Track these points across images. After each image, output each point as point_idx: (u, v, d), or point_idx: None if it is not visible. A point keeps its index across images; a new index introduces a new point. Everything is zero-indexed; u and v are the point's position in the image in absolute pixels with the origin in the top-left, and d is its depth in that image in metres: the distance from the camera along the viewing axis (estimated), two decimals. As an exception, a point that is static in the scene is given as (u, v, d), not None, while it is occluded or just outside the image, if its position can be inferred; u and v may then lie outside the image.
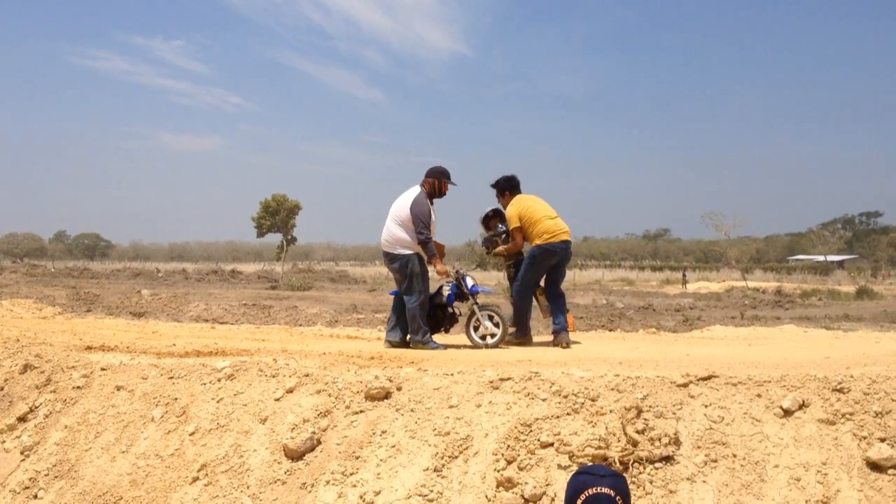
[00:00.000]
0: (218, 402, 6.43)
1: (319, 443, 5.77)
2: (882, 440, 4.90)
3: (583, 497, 2.54)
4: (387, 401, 6.03)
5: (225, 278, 50.99)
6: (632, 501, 4.81)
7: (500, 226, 9.15)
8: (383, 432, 5.73)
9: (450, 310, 8.94)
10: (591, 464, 4.90)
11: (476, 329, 8.65)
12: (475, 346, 8.56)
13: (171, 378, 6.86)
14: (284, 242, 55.78)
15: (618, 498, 2.54)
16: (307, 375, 6.43)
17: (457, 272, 8.86)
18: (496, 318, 8.59)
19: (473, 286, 8.79)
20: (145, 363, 7.28)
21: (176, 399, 6.59)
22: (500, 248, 9.03)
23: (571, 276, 73.52)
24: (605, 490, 2.54)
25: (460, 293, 8.80)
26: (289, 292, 38.85)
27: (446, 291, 8.82)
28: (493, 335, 8.54)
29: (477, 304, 8.69)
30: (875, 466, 4.78)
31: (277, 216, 53.56)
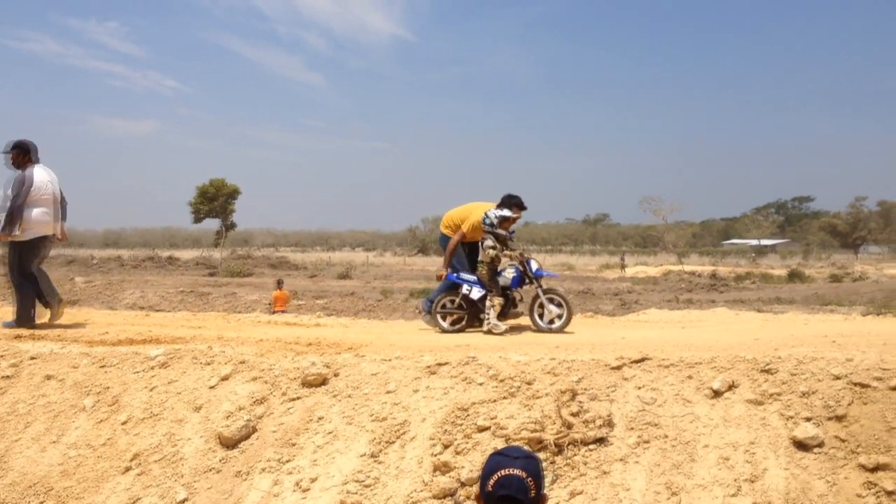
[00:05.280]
0: (151, 390, 6.33)
1: (255, 430, 5.72)
2: (808, 420, 5.03)
3: (495, 478, 2.57)
4: (324, 387, 6.01)
5: (161, 265, 50.08)
6: (564, 483, 4.88)
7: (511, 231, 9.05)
8: (320, 419, 5.71)
9: (512, 293, 8.78)
10: (525, 447, 4.96)
11: (541, 314, 8.50)
12: (539, 330, 8.41)
13: (103, 367, 6.73)
14: (223, 228, 55.00)
15: (529, 480, 2.56)
16: (243, 363, 6.37)
17: (521, 255, 8.70)
18: (560, 302, 8.45)
19: (538, 270, 8.67)
20: (76, 352, 7.12)
21: (108, 388, 6.47)
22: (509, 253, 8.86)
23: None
24: (517, 472, 2.57)
25: (524, 277, 8.66)
26: (227, 279, 38.37)
27: (510, 275, 8.65)
28: (556, 319, 8.39)
29: (541, 287, 8.56)
30: (801, 445, 4.91)
31: (215, 201, 52.74)
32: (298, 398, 5.91)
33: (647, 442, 5.05)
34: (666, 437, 5.07)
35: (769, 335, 7.38)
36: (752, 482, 4.75)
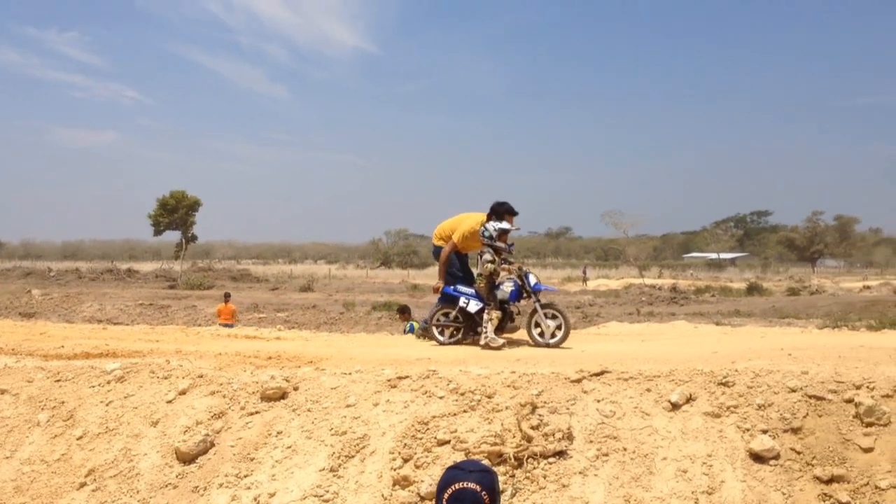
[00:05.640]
0: (107, 405, 6.24)
1: (213, 445, 5.66)
2: (764, 432, 5.09)
3: (449, 491, 2.56)
4: (283, 401, 5.96)
5: (121, 277, 49.47)
6: (524, 496, 4.88)
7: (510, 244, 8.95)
8: (279, 433, 5.66)
9: (510, 307, 8.63)
10: (485, 460, 4.96)
11: (537, 327, 8.35)
12: (537, 344, 8.26)
13: (59, 381, 6.63)
14: (184, 240, 54.51)
15: (484, 494, 2.55)
16: (201, 377, 6.31)
17: (519, 269, 8.55)
18: (558, 317, 8.31)
19: (536, 284, 8.53)
20: (31, 366, 7.01)
21: (63, 402, 6.36)
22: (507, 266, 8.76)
23: (475, 275, 74.03)
24: (471, 485, 2.55)
25: (522, 290, 8.52)
26: (188, 292, 38.01)
27: (508, 288, 8.49)
28: (553, 334, 8.24)
29: (539, 301, 8.41)
30: (757, 457, 4.96)
31: (176, 213, 52.31)
32: (257, 412, 5.86)
33: (606, 455, 5.07)
34: (625, 449, 5.10)
35: (727, 348, 7.45)
36: (710, 494, 4.79)
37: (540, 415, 5.35)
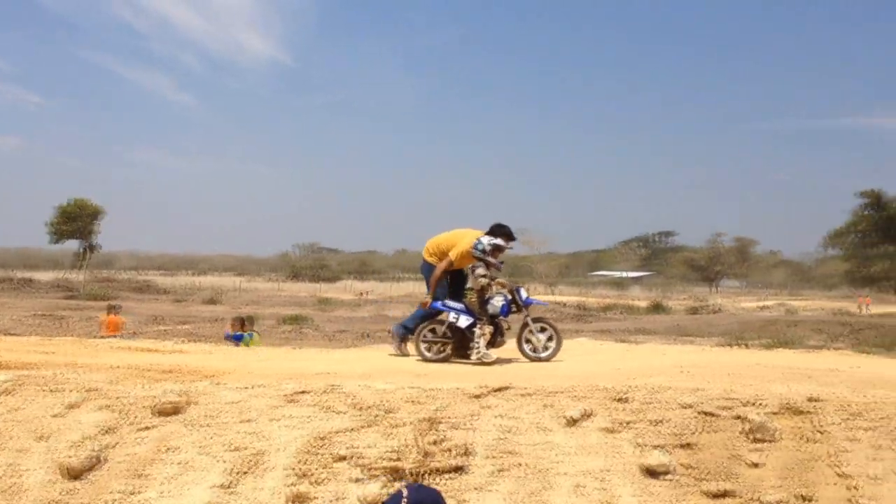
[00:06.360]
0: (-8, 419, 5.97)
1: (102, 461, 5.46)
2: (658, 447, 5.19)
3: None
4: (179, 416, 5.80)
5: (17, 287, 47.69)
6: None
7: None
8: (173, 449, 5.50)
9: (500, 322, 8.54)
10: (385, 478, 4.94)
11: (528, 342, 8.36)
12: (528, 359, 8.26)
13: (-61, 394, 6.31)
14: (85, 249, 52.88)
15: None
16: (93, 390, 6.09)
17: (510, 283, 8.57)
18: (549, 331, 8.35)
19: (527, 298, 8.55)
20: None
21: (-57, 417, 6.06)
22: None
23: (387, 289, 74.09)
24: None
25: (512, 305, 8.49)
26: (88, 302, 36.85)
27: (499, 303, 8.42)
28: (545, 348, 8.28)
29: (530, 316, 8.41)
30: (651, 472, 5.06)
31: (77, 222, 50.73)
32: (151, 427, 5.68)
33: (504, 470, 5.09)
34: (523, 465, 5.13)
35: (629, 365, 7.60)
36: (605, 509, 4.86)
37: (440, 430, 5.35)
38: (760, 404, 5.49)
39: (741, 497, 4.94)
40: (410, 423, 5.42)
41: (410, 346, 8.72)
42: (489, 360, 8.05)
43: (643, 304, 51.81)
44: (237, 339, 12.91)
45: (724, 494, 4.94)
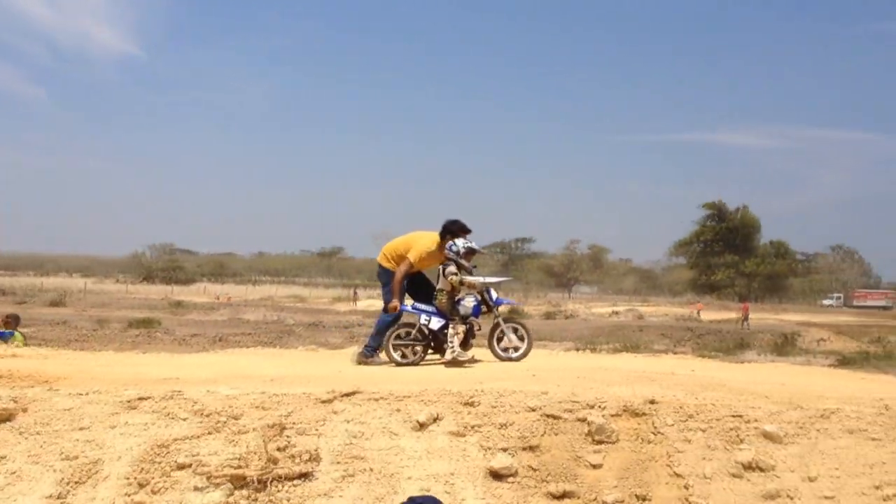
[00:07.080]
0: None
1: (-81, 474, 5.10)
2: (504, 450, 5.29)
3: None
4: (9, 423, 5.47)
5: None
6: None
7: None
8: (1, 458, 5.19)
9: (471, 322, 8.52)
10: (228, 486, 4.83)
11: (500, 342, 8.37)
12: (499, 359, 8.30)
13: None
14: (-85, 247, 49.42)
15: None
16: (-90, 397, 5.68)
17: (482, 284, 8.51)
18: (521, 331, 8.40)
19: (498, 299, 8.58)
20: None
21: None
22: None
23: (244, 292, 72.60)
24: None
25: (482, 305, 8.48)
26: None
27: (471, 303, 8.41)
28: (516, 348, 8.33)
29: (501, 316, 8.47)
30: (496, 475, 5.15)
31: None
32: (-23, 436, 5.35)
33: (351, 476, 5.06)
34: (371, 469, 5.11)
35: (482, 369, 7.72)
36: (450, 512, 4.91)
37: (287, 436, 5.26)
38: (602, 406, 5.67)
39: (581, 498, 5.09)
40: (257, 429, 5.31)
41: (382, 354, 8.56)
42: (464, 359, 8.12)
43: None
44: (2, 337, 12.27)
45: (566, 495, 5.08)
